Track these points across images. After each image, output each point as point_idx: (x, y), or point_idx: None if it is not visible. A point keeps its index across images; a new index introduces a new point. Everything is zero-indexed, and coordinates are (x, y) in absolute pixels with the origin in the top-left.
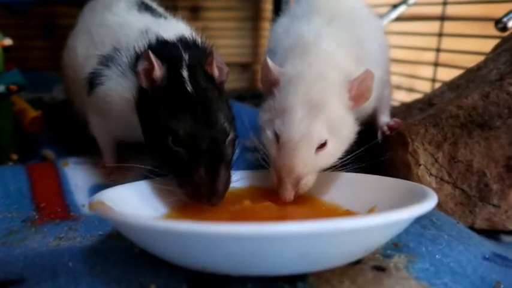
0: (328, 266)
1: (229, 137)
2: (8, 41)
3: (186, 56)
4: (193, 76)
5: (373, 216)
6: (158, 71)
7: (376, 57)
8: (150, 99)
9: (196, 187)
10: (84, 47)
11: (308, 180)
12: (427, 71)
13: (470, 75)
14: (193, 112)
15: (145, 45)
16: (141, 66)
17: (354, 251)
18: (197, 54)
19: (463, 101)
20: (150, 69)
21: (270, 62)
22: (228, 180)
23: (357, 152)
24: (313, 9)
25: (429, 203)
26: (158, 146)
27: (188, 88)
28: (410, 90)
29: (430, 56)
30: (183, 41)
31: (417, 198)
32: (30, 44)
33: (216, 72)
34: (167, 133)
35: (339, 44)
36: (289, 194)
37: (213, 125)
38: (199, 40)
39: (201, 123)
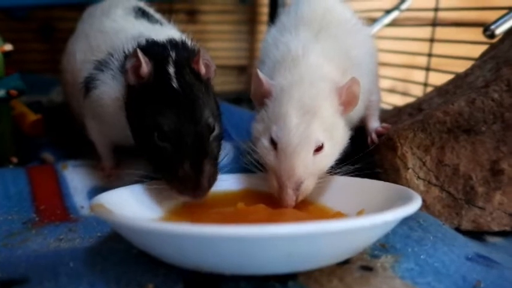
0: (317, 266)
1: (215, 133)
2: (8, 47)
3: (173, 54)
4: (179, 73)
5: (359, 218)
6: (145, 67)
7: (363, 67)
8: (137, 96)
9: (181, 182)
10: (82, 52)
11: (308, 184)
12: (420, 76)
13: (458, 82)
14: (178, 108)
15: (135, 47)
16: (129, 63)
17: (341, 252)
18: (185, 53)
19: (450, 107)
20: (137, 66)
21: (261, 74)
22: (213, 175)
23: (352, 159)
24: (301, 22)
25: (413, 206)
26: (145, 143)
27: (174, 84)
28: (404, 94)
29: (422, 61)
30: (172, 42)
31: (403, 200)
32: (28, 47)
33: (202, 69)
34: (153, 129)
35: (326, 57)
36: (290, 199)
37: (198, 121)
38: (188, 42)
39: (185, 119)
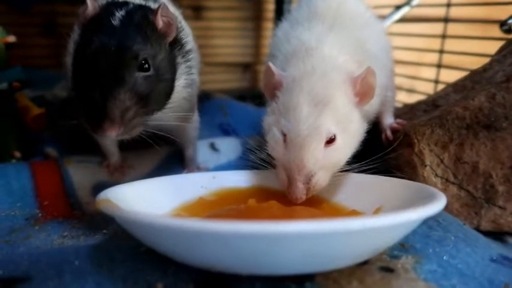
0: (336, 266)
1: (148, 73)
2: (11, 38)
3: (129, 6)
4: (126, 16)
5: (382, 216)
6: (91, 8)
7: (378, 61)
8: (80, 33)
9: (90, 112)
10: None
11: (319, 178)
12: (430, 72)
13: (476, 77)
14: (106, 35)
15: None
16: (81, 9)
17: (361, 251)
18: (147, 9)
19: (469, 102)
20: (85, 9)
21: (272, 66)
22: (131, 111)
23: (372, 159)
24: (314, 15)
25: (438, 204)
26: (76, 76)
27: (113, 21)
28: (411, 91)
29: (433, 58)
30: (141, 4)
31: (425, 199)
32: (31, 42)
33: (159, 22)
34: (80, 56)
35: (341, 49)
36: (300, 192)
37: (121, 49)
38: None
39: (108, 45)
